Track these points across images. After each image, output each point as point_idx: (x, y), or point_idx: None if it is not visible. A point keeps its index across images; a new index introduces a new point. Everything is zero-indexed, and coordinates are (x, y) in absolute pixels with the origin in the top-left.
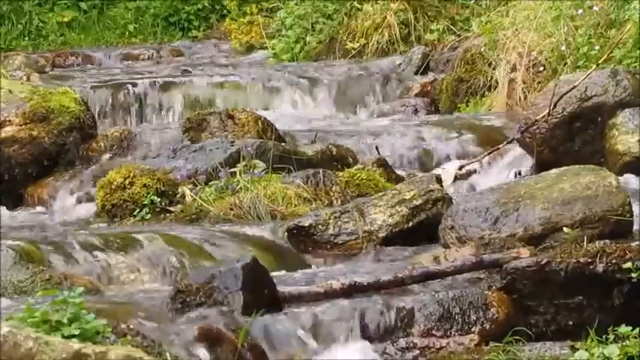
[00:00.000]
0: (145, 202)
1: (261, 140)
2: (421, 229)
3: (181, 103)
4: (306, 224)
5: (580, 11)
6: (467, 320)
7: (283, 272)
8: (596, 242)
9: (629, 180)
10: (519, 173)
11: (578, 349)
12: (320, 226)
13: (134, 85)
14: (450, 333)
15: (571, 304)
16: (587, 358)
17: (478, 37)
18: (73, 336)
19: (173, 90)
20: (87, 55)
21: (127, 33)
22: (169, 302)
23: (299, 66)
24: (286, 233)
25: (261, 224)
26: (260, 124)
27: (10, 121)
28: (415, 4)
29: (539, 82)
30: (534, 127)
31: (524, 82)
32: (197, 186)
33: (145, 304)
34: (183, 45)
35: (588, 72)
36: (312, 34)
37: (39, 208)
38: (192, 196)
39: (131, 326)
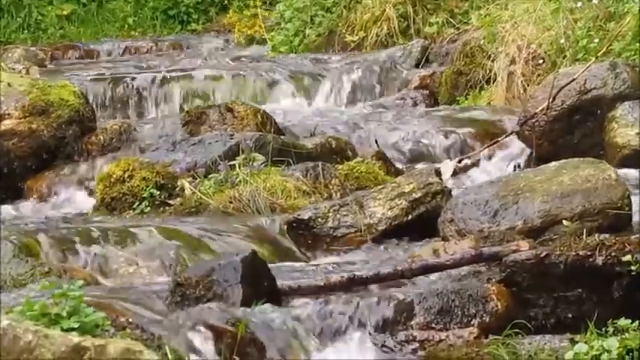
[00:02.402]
0: (145, 196)
1: (261, 133)
2: (420, 222)
3: (180, 96)
4: (306, 217)
5: (579, 4)
6: (466, 313)
7: (282, 265)
8: (596, 235)
9: (629, 173)
10: (519, 166)
11: (577, 342)
12: (319, 219)
13: (133, 78)
14: (450, 326)
15: (570, 297)
16: (586, 351)
17: (477, 30)
18: (72, 329)
19: (172, 83)
20: (86, 48)
21: (126, 26)
22: (169, 295)
23: (298, 59)
24: (285, 226)
25: (261, 217)
26: (259, 117)
27: (9, 114)
28: None
29: (539, 75)
30: (533, 120)
31: (523, 75)
32: (196, 179)
33: (145, 298)
34: (182, 38)
35: (587, 65)
36: (311, 27)
37: (38, 202)
38: (191, 189)
39: (130, 319)
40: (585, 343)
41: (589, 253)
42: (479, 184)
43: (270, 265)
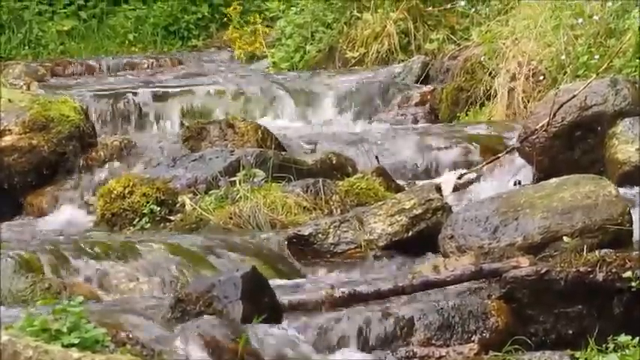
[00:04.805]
0: (145, 211)
1: (261, 149)
2: (421, 239)
3: (181, 112)
4: (306, 233)
5: (580, 20)
6: (466, 329)
7: (283, 281)
8: (596, 251)
9: (629, 189)
10: (519, 182)
11: (577, 358)
12: (320, 235)
13: (134, 94)
14: (450, 342)
15: (571, 313)
16: None
17: (478, 47)
18: (73, 345)
19: (173, 99)
20: (87, 64)
21: (127, 42)
22: (169, 311)
23: (299, 75)
24: (286, 242)
25: (261, 233)
26: (260, 133)
27: (9, 130)
28: (415, 14)
29: (539, 92)
30: (534, 137)
31: (523, 92)
32: (197, 195)
33: (145, 313)
34: (182, 54)
35: (588, 81)
36: (311, 43)
37: (38, 217)
38: (192, 205)
39: (130, 335)
40: (585, 359)
41: (589, 269)
42: (479, 201)
43: (270, 281)
